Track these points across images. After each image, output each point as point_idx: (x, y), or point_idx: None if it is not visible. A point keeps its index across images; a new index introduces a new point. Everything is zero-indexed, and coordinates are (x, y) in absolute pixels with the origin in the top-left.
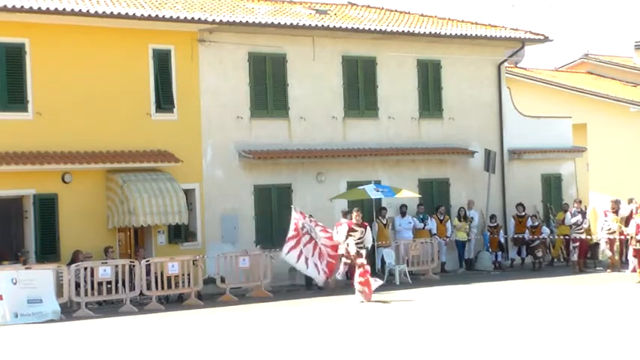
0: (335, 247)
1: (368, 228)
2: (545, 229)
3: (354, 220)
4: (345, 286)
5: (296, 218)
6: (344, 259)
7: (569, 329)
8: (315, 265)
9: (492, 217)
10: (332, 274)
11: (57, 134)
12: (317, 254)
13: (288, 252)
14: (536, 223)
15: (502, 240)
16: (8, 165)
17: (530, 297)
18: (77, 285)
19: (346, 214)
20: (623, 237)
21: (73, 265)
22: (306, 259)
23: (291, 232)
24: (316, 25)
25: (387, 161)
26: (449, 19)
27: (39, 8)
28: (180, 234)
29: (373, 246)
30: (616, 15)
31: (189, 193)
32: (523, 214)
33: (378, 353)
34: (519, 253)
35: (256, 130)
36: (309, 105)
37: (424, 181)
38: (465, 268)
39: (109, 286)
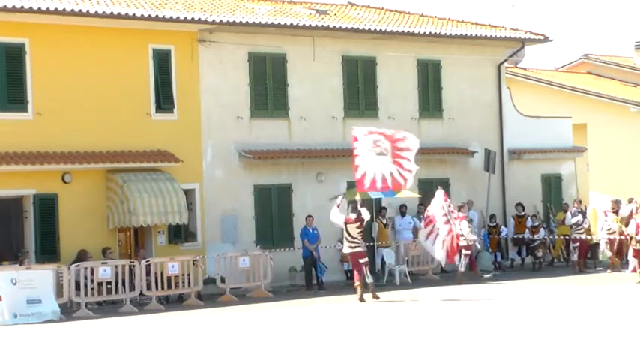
0: (459, 237)
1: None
2: (541, 231)
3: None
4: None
5: (439, 203)
6: (464, 251)
7: (569, 329)
8: (444, 242)
9: (492, 217)
10: (451, 259)
11: (57, 134)
12: (449, 238)
13: (427, 238)
14: (536, 223)
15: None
16: (8, 165)
17: (530, 297)
18: (77, 285)
19: (460, 208)
20: (623, 237)
21: (73, 265)
22: (436, 235)
23: (426, 214)
24: (316, 25)
25: None
26: (449, 19)
27: (39, 8)
28: (180, 234)
29: (373, 246)
30: (616, 15)
31: (189, 194)
32: (523, 214)
33: (378, 353)
34: (519, 253)
35: (256, 130)
36: (309, 105)
37: (424, 181)
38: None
39: (109, 286)
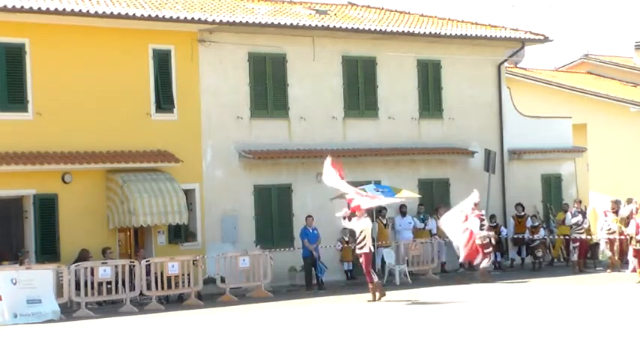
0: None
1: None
2: (541, 232)
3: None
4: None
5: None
6: (486, 250)
7: (569, 329)
8: (473, 241)
9: (492, 217)
10: (471, 259)
11: (57, 134)
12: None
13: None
14: (536, 223)
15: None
16: (8, 165)
17: (530, 297)
18: (77, 285)
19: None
20: (623, 237)
21: (73, 265)
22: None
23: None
24: (316, 25)
25: (387, 161)
26: (449, 19)
27: (39, 8)
28: (180, 234)
29: (373, 246)
30: (616, 15)
31: (189, 194)
32: (522, 214)
33: (378, 353)
34: (519, 253)
35: (256, 130)
36: (309, 105)
37: (424, 181)
38: (465, 268)
39: (109, 286)
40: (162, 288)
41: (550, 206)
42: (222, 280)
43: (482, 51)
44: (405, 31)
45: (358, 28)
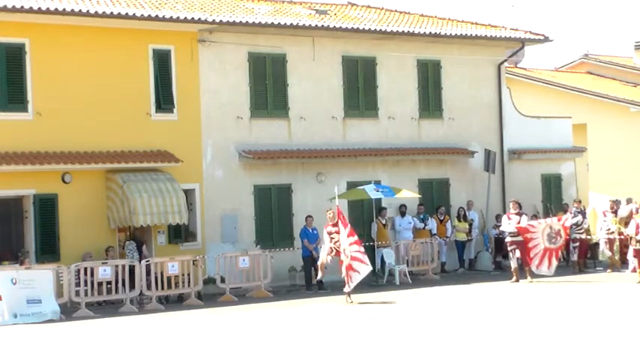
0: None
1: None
2: None
3: (328, 222)
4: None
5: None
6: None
7: (569, 329)
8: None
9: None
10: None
11: (57, 134)
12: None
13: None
14: None
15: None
16: (8, 165)
17: (531, 297)
18: (77, 285)
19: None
20: (622, 237)
21: (73, 265)
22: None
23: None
24: (316, 25)
25: (387, 161)
26: (449, 19)
27: (39, 8)
28: (180, 234)
29: (373, 246)
30: (616, 15)
31: (189, 193)
32: None
33: (378, 353)
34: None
35: (256, 130)
36: (309, 105)
37: (424, 181)
38: (465, 268)
39: (109, 286)
40: (163, 288)
41: (550, 206)
42: (222, 280)
43: (482, 51)
44: (405, 31)
45: (358, 28)
